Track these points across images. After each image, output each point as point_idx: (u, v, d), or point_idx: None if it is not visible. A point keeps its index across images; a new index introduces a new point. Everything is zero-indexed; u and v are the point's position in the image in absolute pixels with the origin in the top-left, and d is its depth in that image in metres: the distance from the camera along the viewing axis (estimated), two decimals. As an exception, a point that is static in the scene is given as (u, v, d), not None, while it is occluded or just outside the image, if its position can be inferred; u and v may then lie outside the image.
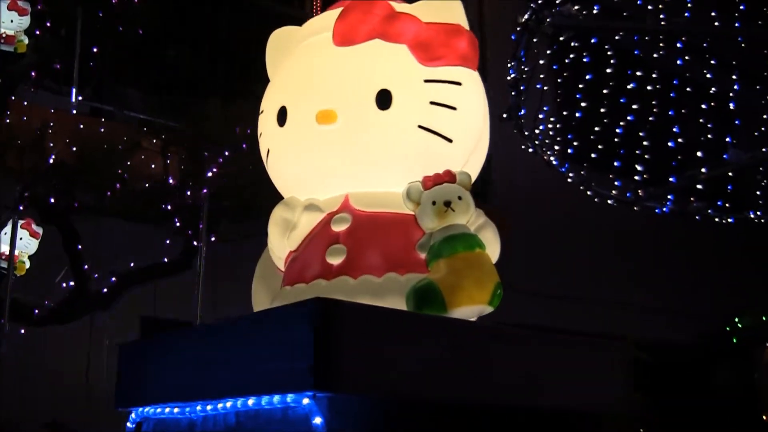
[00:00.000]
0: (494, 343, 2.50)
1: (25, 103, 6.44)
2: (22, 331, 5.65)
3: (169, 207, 5.86)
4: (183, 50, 7.98)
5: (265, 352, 2.32)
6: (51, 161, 5.58)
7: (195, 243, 5.80)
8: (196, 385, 2.58)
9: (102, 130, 6.30)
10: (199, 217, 5.77)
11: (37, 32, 6.17)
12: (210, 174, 5.46)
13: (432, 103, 2.94)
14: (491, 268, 2.83)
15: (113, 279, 6.12)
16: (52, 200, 5.68)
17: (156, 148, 6.25)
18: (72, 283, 5.94)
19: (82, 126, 6.43)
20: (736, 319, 7.36)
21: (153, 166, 6.43)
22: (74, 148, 5.95)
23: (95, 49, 6.74)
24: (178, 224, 5.98)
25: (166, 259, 6.37)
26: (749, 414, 6.72)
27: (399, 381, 2.28)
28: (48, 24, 6.29)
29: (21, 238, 5.75)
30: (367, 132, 2.93)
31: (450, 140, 2.96)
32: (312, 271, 2.90)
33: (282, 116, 3.07)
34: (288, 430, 2.29)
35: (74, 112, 6.97)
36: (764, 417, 6.80)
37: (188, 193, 5.66)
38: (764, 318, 7.20)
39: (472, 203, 2.89)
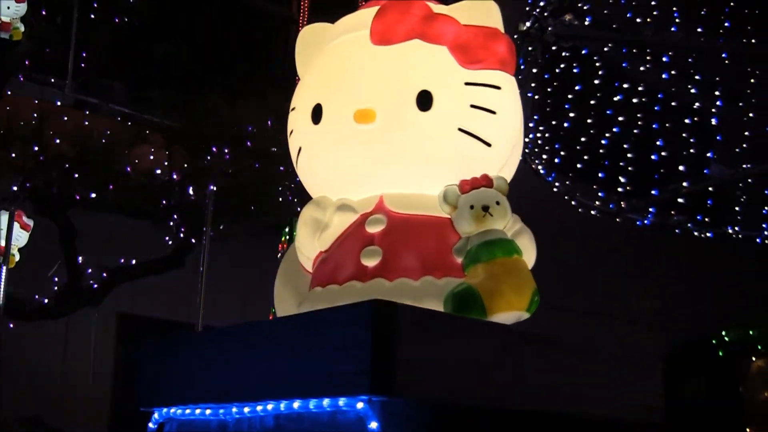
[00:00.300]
0: (545, 351, 2.48)
1: (9, 93, 6.31)
2: (11, 325, 5.49)
3: (163, 204, 5.75)
4: (173, 46, 7.89)
5: (314, 353, 2.26)
6: (42, 154, 5.45)
7: (192, 240, 5.69)
8: (232, 386, 2.51)
9: (97, 124, 6.18)
10: (193, 214, 5.68)
11: (32, 20, 6.04)
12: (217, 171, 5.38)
13: (472, 106, 2.91)
14: (528, 274, 2.82)
15: (104, 275, 6.00)
16: (50, 193, 5.55)
17: (148, 143, 6.15)
18: (65, 278, 5.80)
19: (67, 118, 6.31)
20: (723, 333, 7.44)
21: (137, 161, 6.33)
22: (62, 141, 5.82)
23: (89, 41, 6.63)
24: (172, 222, 5.88)
25: (157, 256, 6.26)
26: (735, 425, 6.80)
27: (453, 386, 2.25)
28: (43, 12, 6.16)
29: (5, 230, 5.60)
30: (406, 133, 2.88)
31: (489, 144, 2.93)
32: (345, 272, 2.84)
33: (317, 114, 3.01)
34: (336, 434, 2.24)
35: (59, 103, 6.84)
36: (748, 429, 6.88)
37: (190, 190, 5.56)
38: (750, 332, 7.29)
39: (509, 208, 2.87)
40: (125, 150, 5.94)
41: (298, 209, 6.34)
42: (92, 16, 6.49)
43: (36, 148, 5.44)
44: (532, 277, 2.80)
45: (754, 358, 7.14)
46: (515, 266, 2.79)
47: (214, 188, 5.02)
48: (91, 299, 6.04)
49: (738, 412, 6.89)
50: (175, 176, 5.53)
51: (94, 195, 5.73)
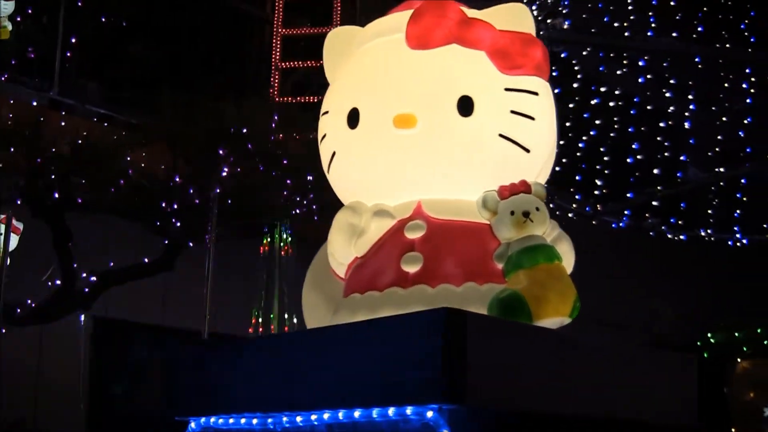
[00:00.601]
0: (607, 357, 2.48)
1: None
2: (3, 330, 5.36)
3: (162, 206, 5.66)
4: (151, 49, 7.80)
5: (379, 361, 2.23)
6: (38, 156, 5.33)
7: (191, 244, 5.61)
8: (285, 395, 2.46)
9: (93, 127, 6.07)
10: (189, 216, 5.60)
11: (18, 18, 5.91)
12: (224, 174, 5.29)
13: (512, 112, 2.90)
14: (569, 280, 2.82)
15: (92, 278, 5.87)
16: (46, 196, 5.42)
17: (146, 145, 6.04)
18: (58, 282, 5.67)
19: (61, 120, 6.18)
20: (709, 335, 7.55)
21: (134, 163, 6.21)
22: (59, 143, 5.70)
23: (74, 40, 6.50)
24: (168, 224, 5.79)
25: (146, 260, 6.16)
26: (720, 427, 6.90)
27: (517, 393, 2.24)
28: (29, 11, 6.03)
29: (1, 234, 5.47)
30: (447, 138, 2.85)
31: (528, 150, 2.93)
32: (385, 278, 2.81)
33: (353, 118, 2.97)
34: (401, 444, 2.21)
35: (35, 103, 6.69)
36: (733, 430, 6.99)
37: (190, 191, 5.48)
38: (736, 334, 7.41)
39: (548, 214, 2.87)
40: (122, 152, 5.81)
41: (295, 212, 6.33)
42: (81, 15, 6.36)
43: (31, 150, 5.30)
44: (572, 283, 2.81)
45: (739, 360, 7.26)
46: (558, 272, 2.79)
47: (218, 191, 4.96)
48: (83, 303, 5.92)
49: (723, 414, 6.99)
50: (177, 179, 5.44)
51: (91, 197, 5.60)
